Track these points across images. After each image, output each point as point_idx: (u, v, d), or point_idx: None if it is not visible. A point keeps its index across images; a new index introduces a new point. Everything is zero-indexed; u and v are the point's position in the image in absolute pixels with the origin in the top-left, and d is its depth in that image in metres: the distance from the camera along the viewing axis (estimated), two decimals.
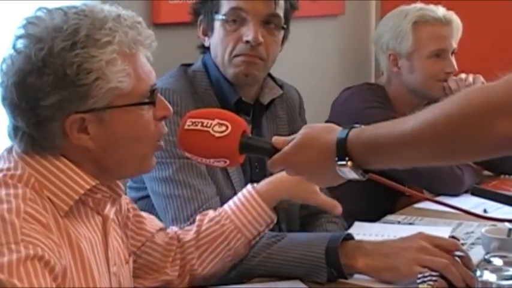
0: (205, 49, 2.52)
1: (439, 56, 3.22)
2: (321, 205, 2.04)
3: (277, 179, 2.07)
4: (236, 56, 2.42)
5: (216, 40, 2.44)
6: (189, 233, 2.06)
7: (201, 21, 2.50)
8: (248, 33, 2.39)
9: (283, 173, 1.96)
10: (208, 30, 2.48)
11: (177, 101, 2.31)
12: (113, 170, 1.70)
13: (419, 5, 3.30)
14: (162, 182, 2.29)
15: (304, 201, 2.08)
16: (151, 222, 2.03)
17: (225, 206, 2.09)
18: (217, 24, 2.44)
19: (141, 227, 1.98)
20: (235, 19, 2.40)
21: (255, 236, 2.08)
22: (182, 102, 2.32)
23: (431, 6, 3.27)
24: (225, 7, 2.42)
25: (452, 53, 3.25)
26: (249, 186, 2.08)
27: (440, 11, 3.24)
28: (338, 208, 1.98)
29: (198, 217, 2.09)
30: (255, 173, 2.46)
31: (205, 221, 2.06)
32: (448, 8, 3.28)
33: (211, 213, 2.09)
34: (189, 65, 2.54)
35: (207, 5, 2.47)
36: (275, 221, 2.09)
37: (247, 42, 2.39)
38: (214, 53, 2.46)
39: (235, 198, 2.09)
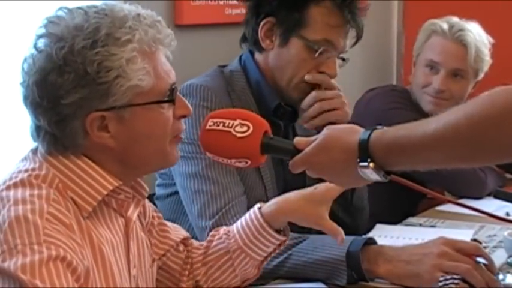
0: (245, 41, 2.48)
1: (432, 68, 3.18)
2: (326, 231, 1.96)
3: (283, 200, 1.95)
4: (304, 82, 2.39)
5: (290, 57, 2.38)
6: (200, 247, 2.01)
7: (268, 22, 2.39)
8: (330, 67, 2.38)
9: (290, 194, 1.95)
10: (276, 37, 2.40)
11: (210, 98, 2.31)
12: (137, 167, 1.70)
13: (451, 18, 3.24)
14: (191, 177, 2.28)
15: (309, 225, 1.96)
16: (175, 231, 2.00)
17: (234, 224, 2.00)
18: (297, 42, 2.37)
19: (165, 236, 1.96)
20: (322, 52, 2.36)
21: (265, 257, 1.98)
22: (216, 99, 2.32)
23: (456, 21, 3.20)
24: (314, 32, 2.36)
25: (457, 75, 3.16)
26: (256, 205, 1.98)
27: (456, 27, 3.16)
28: (341, 236, 1.93)
29: (211, 232, 2.03)
30: (287, 173, 2.43)
31: (216, 237, 2.00)
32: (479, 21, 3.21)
33: (223, 229, 2.02)
34: (225, 66, 2.51)
35: (287, 12, 2.37)
36: (287, 241, 1.98)
37: (323, 73, 2.39)
38: (277, 64, 2.41)
39: (243, 218, 1.98)
